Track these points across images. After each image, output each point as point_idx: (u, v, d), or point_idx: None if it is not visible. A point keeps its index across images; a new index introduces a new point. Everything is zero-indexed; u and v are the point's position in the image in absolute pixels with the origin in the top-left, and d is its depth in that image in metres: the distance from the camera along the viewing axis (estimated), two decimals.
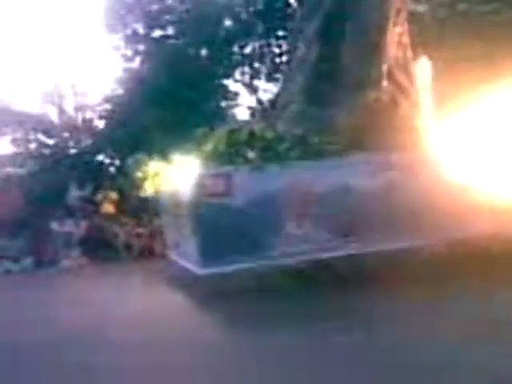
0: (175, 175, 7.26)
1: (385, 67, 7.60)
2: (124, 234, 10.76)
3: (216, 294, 6.40)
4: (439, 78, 8.66)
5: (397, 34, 7.91)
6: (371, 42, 7.64)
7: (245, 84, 15.41)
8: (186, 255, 6.90)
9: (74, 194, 12.26)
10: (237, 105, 15.02)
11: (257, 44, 15.56)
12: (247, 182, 6.32)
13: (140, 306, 6.39)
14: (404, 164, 6.56)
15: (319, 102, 7.45)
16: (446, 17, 13.47)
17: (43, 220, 11.09)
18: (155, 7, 16.18)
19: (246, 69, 15.41)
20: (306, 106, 7.59)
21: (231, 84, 15.54)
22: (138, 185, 8.50)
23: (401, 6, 7.94)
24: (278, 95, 9.23)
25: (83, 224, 10.87)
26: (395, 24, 7.86)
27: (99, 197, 11.50)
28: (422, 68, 8.43)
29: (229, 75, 15.43)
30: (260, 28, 15.47)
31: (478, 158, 6.77)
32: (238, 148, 6.65)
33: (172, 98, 13.73)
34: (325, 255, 6.41)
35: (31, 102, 14.73)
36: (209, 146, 6.77)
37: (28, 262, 10.51)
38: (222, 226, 6.14)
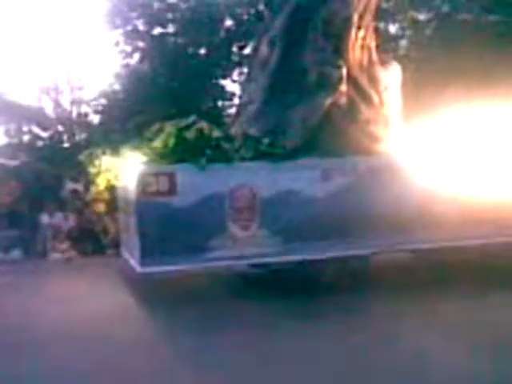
0: (124, 171, 7.18)
1: (345, 70, 7.56)
2: (114, 229, 10.72)
3: (152, 292, 6.46)
4: (415, 85, 8.66)
5: (361, 38, 7.89)
6: (332, 44, 7.63)
7: (242, 85, 15.43)
8: (131, 252, 6.84)
9: (67, 187, 12.24)
10: (233, 105, 15.03)
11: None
12: (192, 182, 6.19)
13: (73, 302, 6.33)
14: (357, 170, 6.49)
15: (277, 103, 7.39)
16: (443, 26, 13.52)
17: (34, 212, 11.09)
18: (157, 5, 16.21)
19: (245, 70, 15.42)
20: (264, 106, 7.53)
21: (229, 84, 15.59)
22: (91, 179, 8.47)
23: (365, 10, 7.91)
24: (240, 95, 9.17)
25: (72, 217, 10.86)
26: (359, 27, 7.84)
27: (91, 191, 11.47)
28: (394, 74, 8.38)
29: (226, 75, 15.46)
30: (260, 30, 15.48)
31: (439, 166, 6.74)
32: (185, 146, 6.49)
33: (169, 96, 13.76)
34: (269, 260, 6.32)
35: (26, 94, 14.77)
36: (158, 143, 6.66)
37: (17, 253, 10.50)
38: (164, 226, 6.04)
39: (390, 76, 8.37)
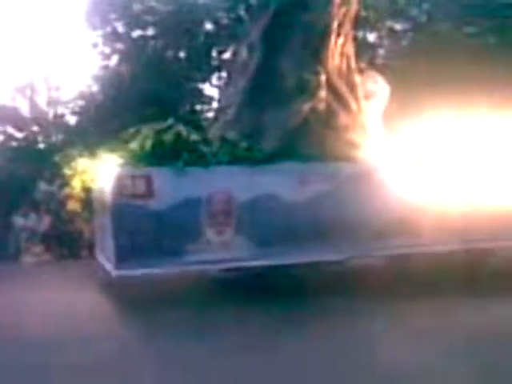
0: (101, 173, 7.13)
1: (324, 77, 7.62)
2: (88, 232, 10.60)
3: (126, 295, 6.42)
4: (395, 94, 8.78)
5: (340, 45, 7.97)
6: (312, 50, 7.70)
7: (221, 89, 15.44)
8: (106, 255, 6.78)
9: (42, 189, 12.07)
10: (211, 109, 15.02)
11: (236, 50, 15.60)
12: (169, 185, 6.17)
13: (44, 306, 6.24)
14: (334, 175, 6.55)
15: (255, 108, 7.44)
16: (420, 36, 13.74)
17: (8, 213, 10.89)
18: (137, 7, 16.12)
19: (224, 74, 15.44)
20: (243, 110, 7.57)
21: (207, 88, 15.57)
22: (66, 181, 8.41)
23: (344, 18, 8.00)
24: (218, 99, 9.18)
25: (47, 219, 10.69)
26: (338, 34, 7.92)
27: (66, 192, 11.33)
28: (376, 81, 8.49)
29: (205, 79, 15.44)
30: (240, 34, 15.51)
31: (416, 173, 6.82)
32: (163, 149, 6.49)
33: (147, 99, 13.67)
34: (244, 264, 6.32)
35: (1, 93, 14.52)
36: (135, 145, 6.65)
37: None
38: (140, 229, 6.03)
39: (374, 84, 8.46)
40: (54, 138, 14.16)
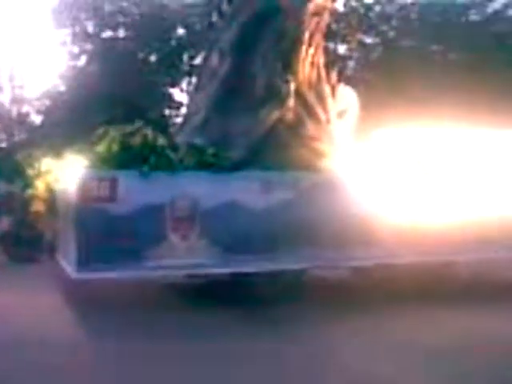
0: (65, 175, 7.06)
1: (293, 86, 7.70)
2: (50, 234, 10.35)
3: (86, 299, 6.33)
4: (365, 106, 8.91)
5: (311, 55, 8.07)
6: (282, 59, 7.76)
7: (190, 95, 15.40)
8: (67, 258, 6.66)
9: (2, 189, 11.75)
10: (180, 114, 14.96)
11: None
12: (134, 188, 6.11)
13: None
14: (298, 184, 6.58)
15: (225, 114, 7.44)
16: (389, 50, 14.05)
17: None
18: (108, 7, 15.97)
19: (194, 80, 15.42)
20: (211, 116, 7.57)
21: (177, 93, 15.50)
22: (28, 182, 8.23)
23: (316, 29, 8.10)
24: (187, 105, 9.14)
25: (6, 220, 10.40)
26: (309, 44, 8.02)
27: (29, 193, 11.06)
28: (346, 92, 8.60)
29: (175, 84, 15.37)
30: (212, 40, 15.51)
31: (380, 185, 6.90)
32: (129, 152, 6.45)
33: (115, 101, 13.52)
34: (207, 271, 6.31)
35: None
36: (101, 148, 6.59)
37: None
38: (102, 232, 5.93)
39: (345, 96, 8.54)
40: (16, 137, 13.84)
